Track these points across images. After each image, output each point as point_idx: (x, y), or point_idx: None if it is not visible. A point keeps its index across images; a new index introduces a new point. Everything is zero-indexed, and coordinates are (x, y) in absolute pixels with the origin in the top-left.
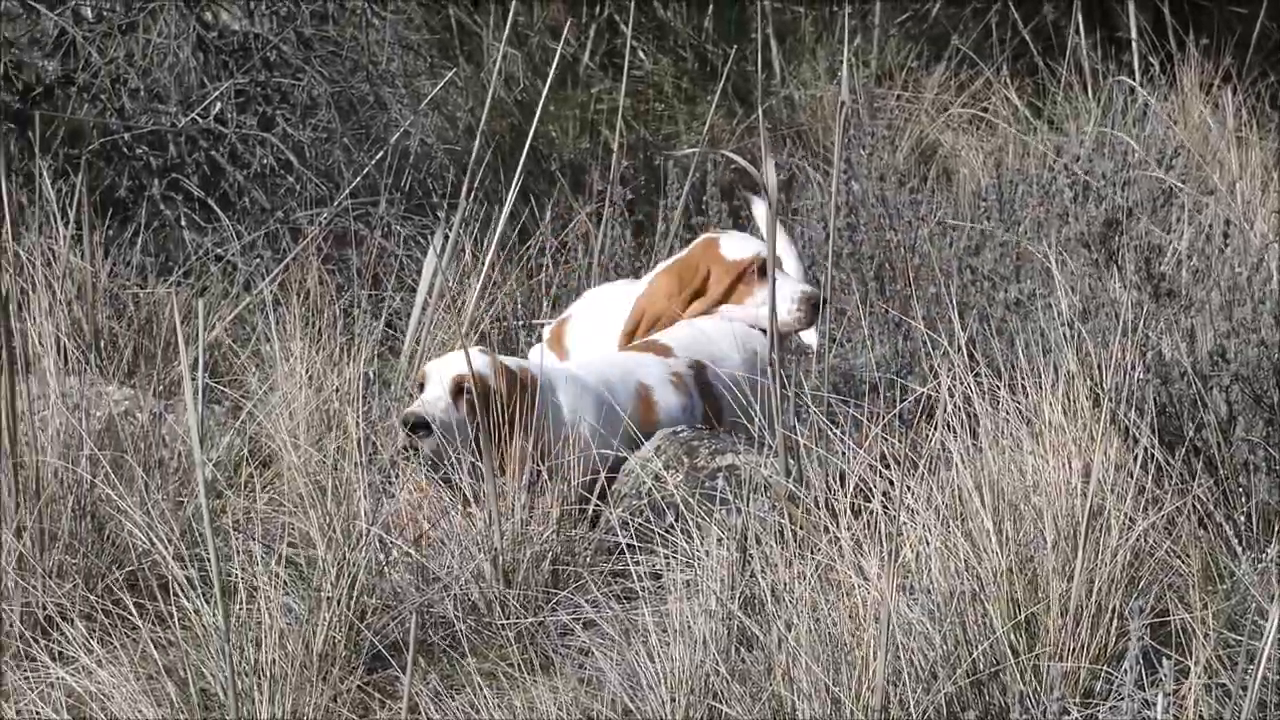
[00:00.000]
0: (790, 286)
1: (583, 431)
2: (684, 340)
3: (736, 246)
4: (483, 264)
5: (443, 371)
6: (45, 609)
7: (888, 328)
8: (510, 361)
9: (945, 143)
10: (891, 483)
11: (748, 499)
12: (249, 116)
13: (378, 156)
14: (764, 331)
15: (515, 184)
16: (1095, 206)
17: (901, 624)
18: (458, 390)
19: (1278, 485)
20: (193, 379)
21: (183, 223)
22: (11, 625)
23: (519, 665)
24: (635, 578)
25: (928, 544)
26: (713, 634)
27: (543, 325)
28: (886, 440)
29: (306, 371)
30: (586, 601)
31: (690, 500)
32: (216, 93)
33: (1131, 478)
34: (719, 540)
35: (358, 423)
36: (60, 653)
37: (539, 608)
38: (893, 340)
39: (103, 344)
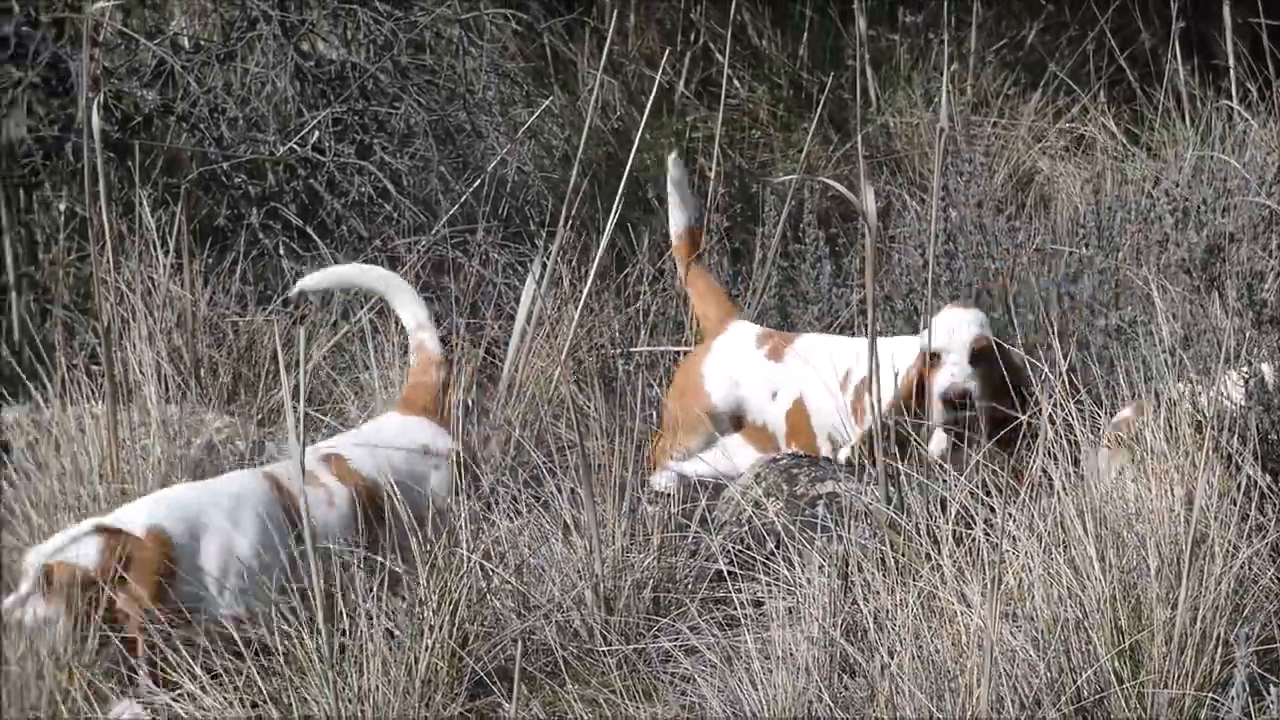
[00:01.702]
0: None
1: None
2: None
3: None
4: (581, 292)
5: None
6: (150, 636)
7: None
8: None
9: (1042, 169)
10: (993, 510)
11: (849, 526)
12: (346, 145)
13: (475, 184)
14: None
15: (614, 212)
16: (1196, 232)
17: (1005, 651)
18: None
19: None
20: (293, 406)
21: (281, 251)
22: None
23: (621, 692)
24: (737, 604)
25: (1030, 571)
26: (815, 661)
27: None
28: (988, 467)
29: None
30: (688, 628)
31: (791, 527)
32: (314, 121)
33: (1235, 505)
34: (820, 567)
35: (457, 450)
36: (165, 679)
37: (640, 634)
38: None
39: (202, 372)
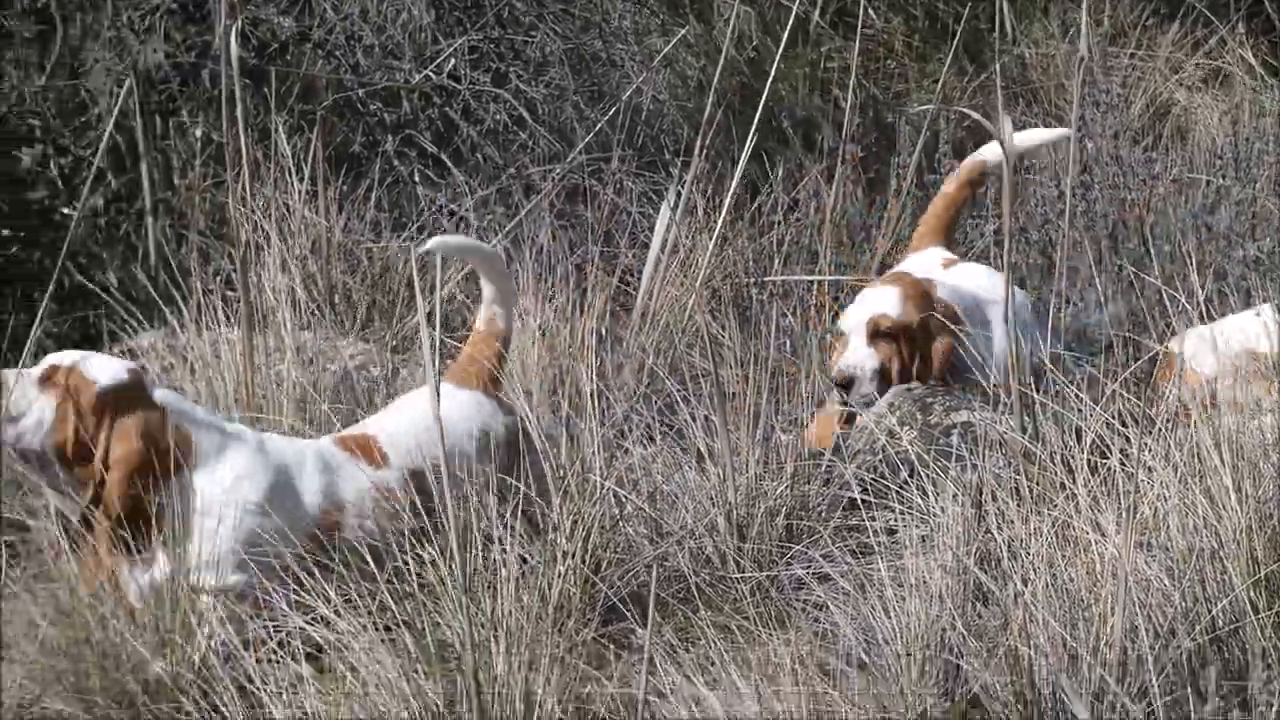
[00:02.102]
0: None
1: None
2: None
3: None
4: (715, 221)
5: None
6: (284, 560)
7: (1122, 286)
8: None
9: (1179, 101)
10: (1129, 439)
11: (983, 455)
12: (482, 73)
13: (610, 113)
14: None
15: (749, 142)
16: None
17: (1139, 580)
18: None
19: None
20: (429, 332)
21: (416, 179)
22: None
23: (754, 619)
24: (870, 532)
25: (1165, 501)
26: (948, 589)
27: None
28: (1123, 397)
29: (539, 327)
30: (821, 556)
31: (925, 456)
32: (450, 49)
33: None
34: (954, 496)
35: (591, 378)
36: (299, 602)
37: (773, 562)
38: (1127, 298)
39: (336, 298)
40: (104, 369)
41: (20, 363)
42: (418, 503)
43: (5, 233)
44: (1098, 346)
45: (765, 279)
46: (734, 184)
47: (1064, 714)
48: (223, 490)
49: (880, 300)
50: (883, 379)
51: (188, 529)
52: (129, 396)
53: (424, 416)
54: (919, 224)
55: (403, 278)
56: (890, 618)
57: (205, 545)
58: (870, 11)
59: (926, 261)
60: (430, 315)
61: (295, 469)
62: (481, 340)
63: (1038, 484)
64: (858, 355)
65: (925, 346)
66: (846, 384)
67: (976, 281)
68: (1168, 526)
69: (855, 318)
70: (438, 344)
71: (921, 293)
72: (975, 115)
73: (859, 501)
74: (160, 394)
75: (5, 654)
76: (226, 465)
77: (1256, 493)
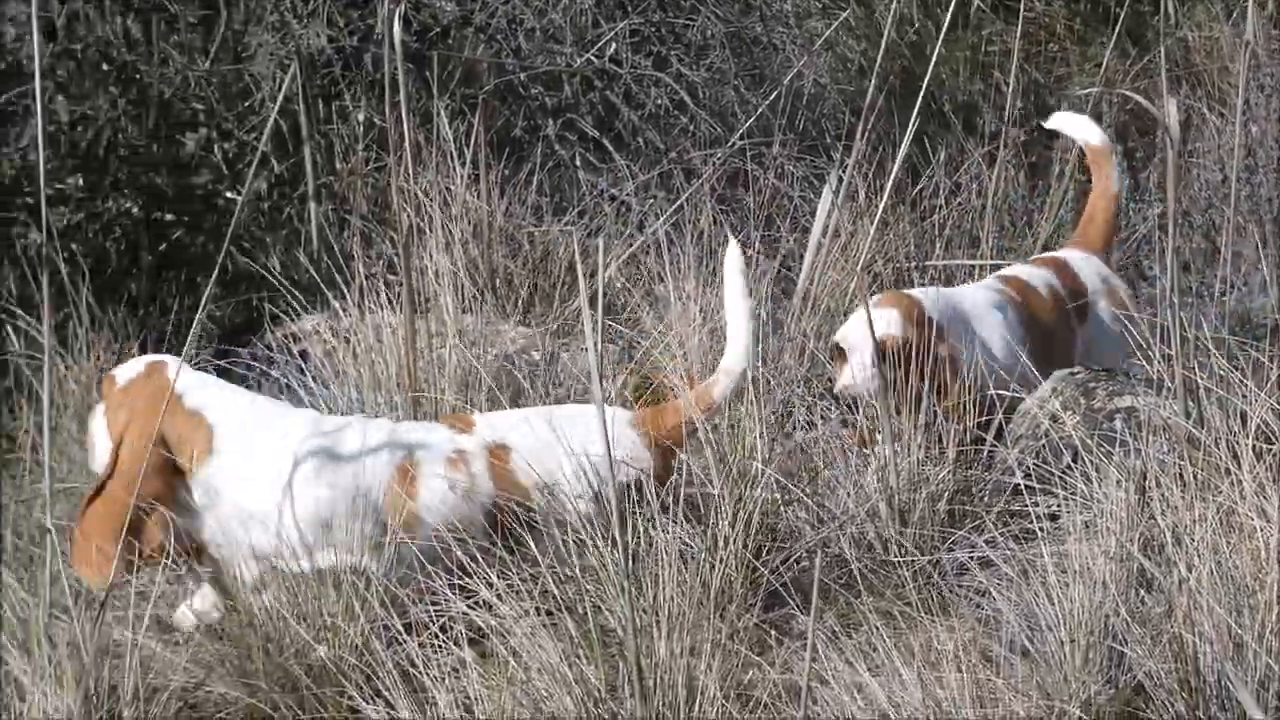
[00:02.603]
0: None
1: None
2: None
3: None
4: (876, 205)
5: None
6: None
7: None
8: None
9: None
10: None
11: (1147, 440)
12: (643, 57)
13: (771, 97)
14: None
15: (911, 126)
16: None
17: None
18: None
19: None
20: (591, 315)
21: (577, 162)
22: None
23: (916, 604)
24: (1033, 518)
25: None
26: (1112, 575)
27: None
28: None
29: (700, 311)
30: (984, 541)
31: (1088, 441)
32: (611, 33)
33: None
34: (1118, 481)
35: (751, 363)
36: (461, 587)
37: (935, 547)
38: None
39: (498, 282)
40: None
41: (184, 349)
42: None
43: (169, 217)
44: (1262, 330)
45: (927, 264)
46: (895, 168)
47: (1229, 702)
48: None
49: (884, 321)
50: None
51: None
52: None
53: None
54: None
55: (564, 262)
56: (1053, 604)
57: None
58: None
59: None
60: (593, 299)
61: None
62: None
63: (1202, 469)
64: (863, 375)
65: (923, 364)
66: (853, 401)
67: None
68: None
69: (858, 335)
70: (600, 327)
71: (918, 311)
72: (1138, 98)
73: (1022, 487)
74: None
75: (169, 639)
76: None
77: None
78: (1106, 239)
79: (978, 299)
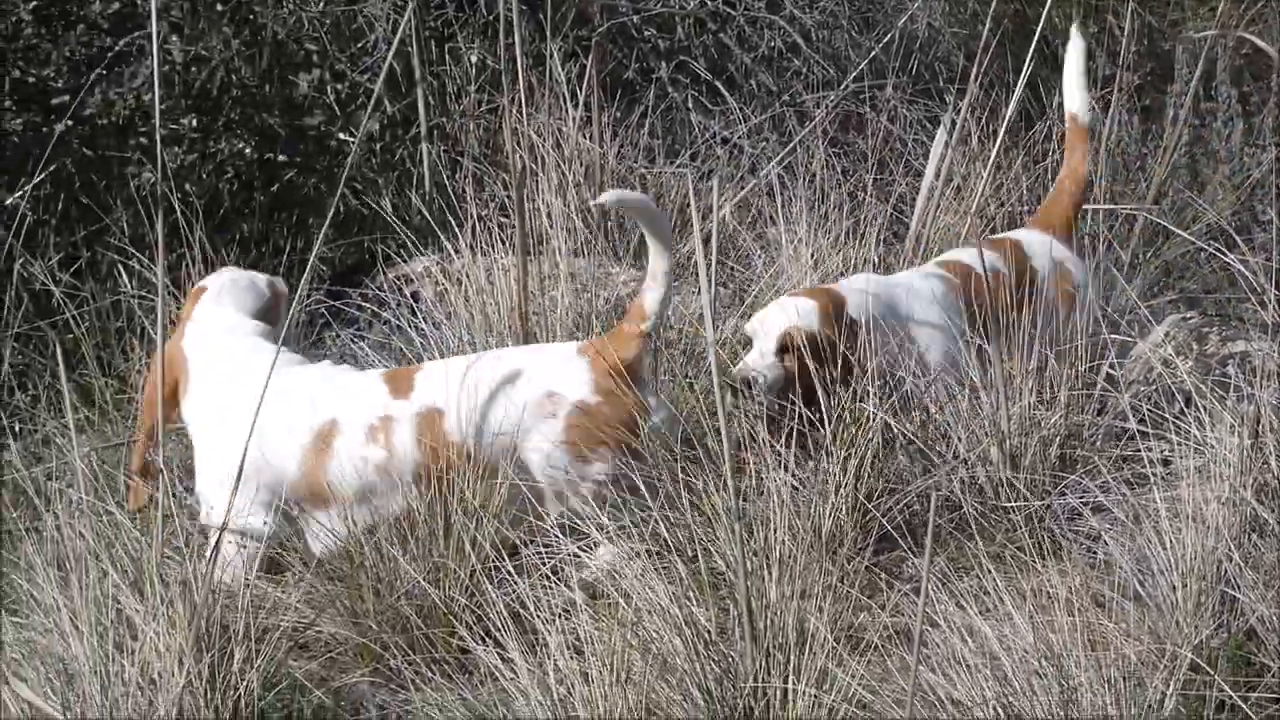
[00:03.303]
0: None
1: None
2: None
3: None
4: (990, 149)
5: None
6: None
7: None
8: None
9: None
10: None
11: (1260, 385)
12: None
13: (884, 40)
14: None
15: (1025, 70)
16: None
17: None
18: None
19: None
20: (704, 257)
21: (689, 105)
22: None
23: (1028, 548)
24: (1146, 463)
25: None
26: (1225, 521)
27: None
28: None
29: (812, 255)
30: (1095, 486)
31: (1201, 386)
32: None
33: None
34: (1231, 427)
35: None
36: (573, 528)
37: (1046, 492)
38: None
39: (610, 225)
40: None
41: (298, 289)
42: None
43: (282, 158)
44: None
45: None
46: (1009, 111)
47: None
48: None
49: (797, 312)
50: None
51: None
52: None
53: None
54: None
55: (676, 204)
56: (1165, 549)
57: None
58: None
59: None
60: (706, 241)
61: None
62: (627, 322)
63: None
64: (762, 362)
65: (833, 361)
66: (746, 384)
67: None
68: None
69: (769, 324)
70: (713, 270)
71: (836, 308)
72: (1255, 40)
73: (1134, 432)
74: None
75: (282, 580)
76: None
77: None
78: (1068, 221)
79: (917, 289)
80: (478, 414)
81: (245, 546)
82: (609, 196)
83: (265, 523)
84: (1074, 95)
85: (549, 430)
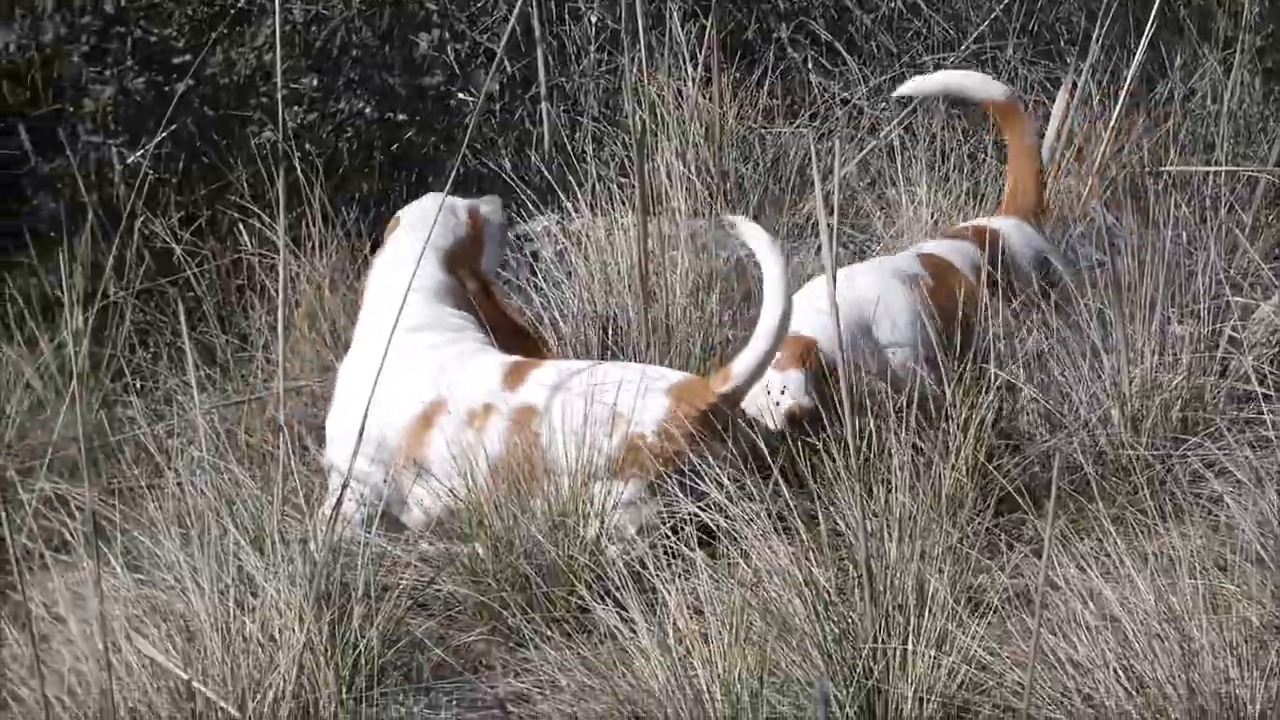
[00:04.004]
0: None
1: None
2: None
3: None
4: (1111, 111)
5: None
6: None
7: None
8: None
9: None
10: None
11: None
12: None
13: (1005, 1)
14: None
15: (1147, 31)
16: None
17: None
18: None
19: None
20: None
21: (809, 66)
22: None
23: (1150, 511)
24: (1269, 425)
25: None
26: None
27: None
28: None
29: (932, 216)
30: (1218, 448)
31: None
32: None
33: None
34: None
35: (984, 265)
36: (693, 488)
37: (1168, 454)
38: None
39: (729, 186)
40: None
41: (421, 250)
42: None
43: (401, 117)
44: None
45: (1161, 170)
46: (1131, 73)
47: None
48: None
49: (787, 386)
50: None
51: None
52: None
53: None
54: None
55: (795, 165)
56: None
57: None
58: None
59: None
60: (827, 199)
61: None
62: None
63: None
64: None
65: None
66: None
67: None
68: None
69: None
70: (834, 231)
71: (814, 358)
72: None
73: (1258, 394)
74: None
75: (401, 538)
76: None
77: None
78: (1038, 201)
79: (889, 294)
80: (559, 420)
81: (364, 503)
82: (735, 221)
83: (385, 480)
84: (976, 87)
85: (606, 446)
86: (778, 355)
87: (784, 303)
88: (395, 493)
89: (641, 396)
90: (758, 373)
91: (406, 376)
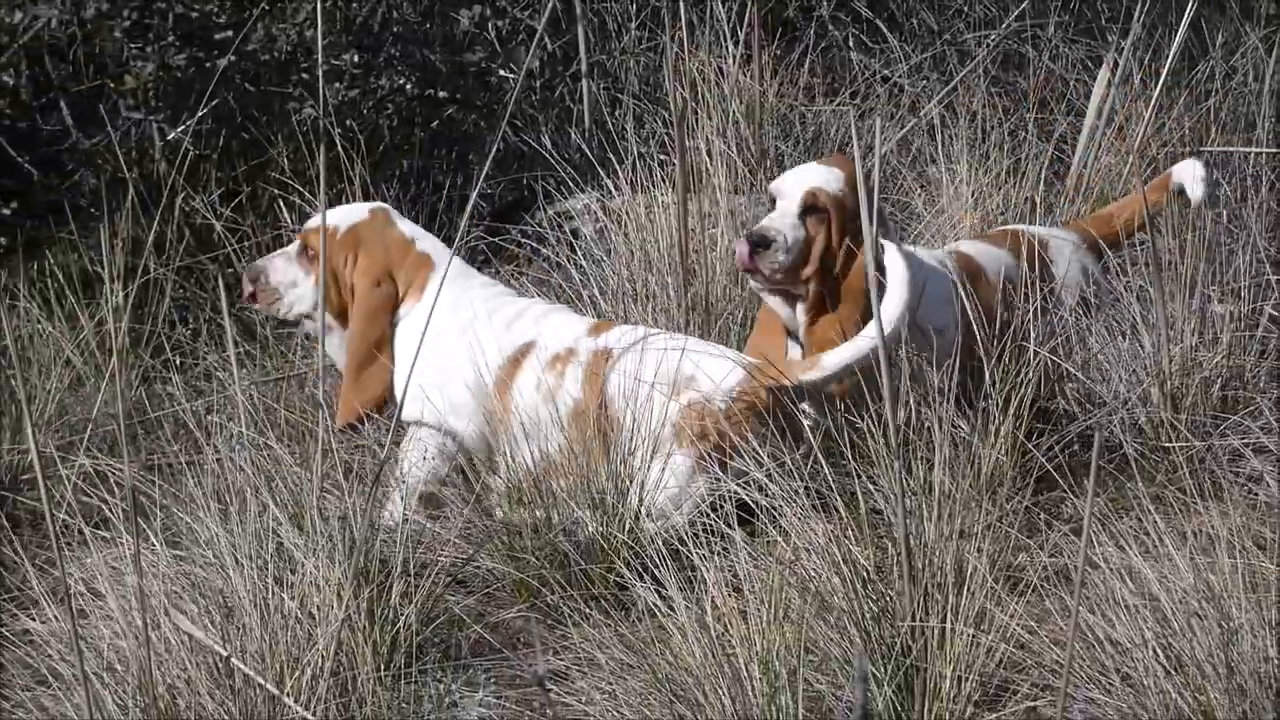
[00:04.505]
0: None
1: None
2: None
3: None
4: (1152, 89)
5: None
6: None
7: None
8: None
9: None
10: None
11: None
12: None
13: None
14: None
15: (1189, 9)
16: None
17: None
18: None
19: None
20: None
21: (850, 43)
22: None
23: (1190, 489)
24: None
25: None
26: None
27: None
28: None
29: (972, 194)
30: (1257, 427)
31: None
32: None
33: None
34: None
35: (1026, 242)
36: (732, 466)
37: (1207, 433)
38: None
39: (769, 163)
40: None
41: (463, 224)
42: None
43: (442, 94)
44: None
45: (1202, 149)
46: (1172, 51)
47: None
48: None
49: (822, 174)
50: (801, 258)
51: None
52: None
53: None
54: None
55: (836, 143)
56: None
57: None
58: None
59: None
60: (868, 176)
61: None
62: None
63: None
64: (784, 221)
65: (844, 232)
66: (762, 243)
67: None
68: None
69: (792, 184)
70: (875, 207)
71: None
72: None
73: None
74: None
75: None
76: None
77: None
78: (1113, 237)
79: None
80: (630, 370)
81: (445, 448)
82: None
83: (468, 427)
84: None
85: (672, 407)
86: (826, 158)
87: (899, 308)
88: (481, 441)
89: (716, 364)
90: (847, 371)
91: (496, 323)
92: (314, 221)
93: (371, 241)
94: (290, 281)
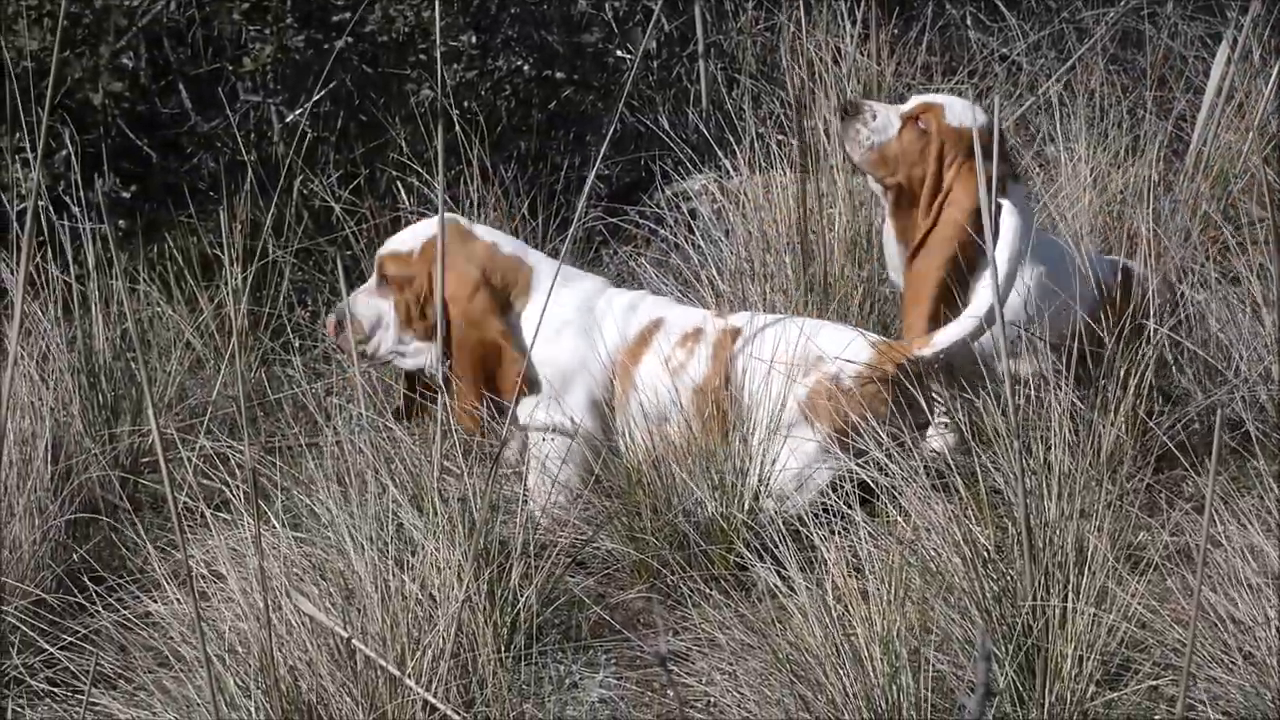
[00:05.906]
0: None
1: None
2: None
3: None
4: (1272, 66)
5: None
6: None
7: None
8: None
9: None
10: None
11: None
12: None
13: None
14: None
15: None
16: None
17: None
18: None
19: None
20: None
21: (968, 22)
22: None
23: None
24: None
25: None
26: None
27: None
28: None
29: (1091, 172)
30: None
31: None
32: None
33: None
34: None
35: (1145, 223)
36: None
37: None
38: None
39: None
40: None
41: (580, 205)
42: None
43: (559, 75)
44: None
45: None
46: None
47: None
48: None
49: (946, 100)
50: (888, 158)
51: None
52: None
53: None
54: None
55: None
56: None
57: None
58: None
59: None
60: (986, 157)
61: None
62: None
63: None
64: (884, 108)
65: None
66: (851, 109)
67: None
68: None
69: (917, 97)
70: (992, 187)
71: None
72: None
73: None
74: None
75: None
76: None
77: None
78: None
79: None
80: (757, 349)
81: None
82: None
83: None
84: None
85: (799, 386)
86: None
87: (1006, 284)
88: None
89: (845, 342)
90: (960, 347)
91: (623, 306)
92: (388, 246)
93: (454, 255)
94: (375, 318)
